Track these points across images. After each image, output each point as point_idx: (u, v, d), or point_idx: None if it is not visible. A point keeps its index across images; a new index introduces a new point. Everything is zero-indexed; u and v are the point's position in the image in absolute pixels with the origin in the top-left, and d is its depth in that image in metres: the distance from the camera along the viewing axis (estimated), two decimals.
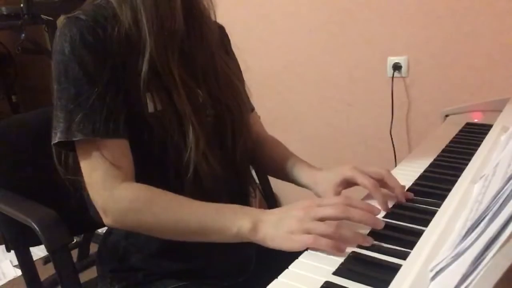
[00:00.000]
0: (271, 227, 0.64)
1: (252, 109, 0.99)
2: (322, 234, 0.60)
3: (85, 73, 0.70)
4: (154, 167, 0.77)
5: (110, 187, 0.71)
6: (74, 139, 0.70)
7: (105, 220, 0.72)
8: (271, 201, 1.15)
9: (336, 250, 0.58)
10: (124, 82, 0.73)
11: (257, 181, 1.01)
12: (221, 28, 0.96)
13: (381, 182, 0.73)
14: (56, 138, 0.71)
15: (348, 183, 0.77)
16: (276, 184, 1.09)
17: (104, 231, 0.91)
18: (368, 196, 0.74)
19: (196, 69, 0.80)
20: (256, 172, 1.08)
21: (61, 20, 0.75)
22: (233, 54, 0.98)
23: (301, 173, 0.86)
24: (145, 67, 0.73)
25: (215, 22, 0.91)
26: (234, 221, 0.66)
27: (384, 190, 0.73)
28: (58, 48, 0.72)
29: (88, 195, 0.85)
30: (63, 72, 0.71)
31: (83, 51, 0.70)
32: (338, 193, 0.77)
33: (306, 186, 0.85)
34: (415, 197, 0.73)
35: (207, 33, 0.83)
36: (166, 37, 0.75)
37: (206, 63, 0.82)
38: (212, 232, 0.68)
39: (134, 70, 0.73)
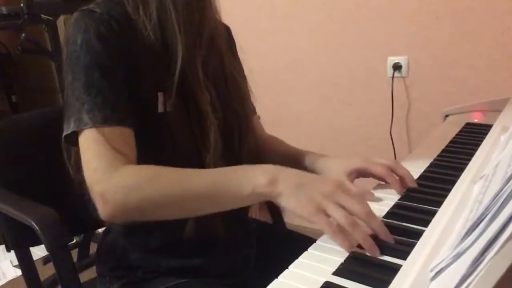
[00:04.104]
0: (291, 188, 0.62)
1: (255, 112, 0.99)
2: (337, 221, 0.59)
3: (97, 63, 0.69)
4: None
5: (110, 171, 0.66)
6: (85, 127, 0.68)
7: (106, 208, 0.65)
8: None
9: (343, 244, 0.59)
10: (135, 80, 0.73)
11: None
12: (227, 30, 0.96)
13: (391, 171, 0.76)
14: (70, 128, 0.70)
15: (359, 174, 0.79)
16: None
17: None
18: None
19: (207, 72, 0.79)
20: None
21: (66, 17, 0.75)
22: (238, 56, 0.98)
23: (311, 159, 0.86)
24: (178, 68, 0.73)
25: (223, 23, 0.90)
26: (248, 178, 0.63)
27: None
28: (72, 39, 0.71)
29: (89, 194, 0.84)
30: (75, 62, 0.70)
31: (96, 42, 0.70)
32: (351, 181, 0.78)
33: (318, 170, 0.84)
34: (416, 195, 0.74)
35: (217, 35, 0.83)
36: (196, 37, 0.76)
37: (216, 66, 0.82)
38: (225, 196, 0.64)
39: (147, 70, 0.73)
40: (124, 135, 0.71)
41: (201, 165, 0.75)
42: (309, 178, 0.65)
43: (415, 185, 0.76)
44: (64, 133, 0.71)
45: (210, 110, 0.77)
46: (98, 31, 0.70)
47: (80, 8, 0.74)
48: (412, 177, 0.77)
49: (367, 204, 0.62)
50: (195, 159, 0.76)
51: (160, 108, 0.74)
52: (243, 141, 0.85)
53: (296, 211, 0.61)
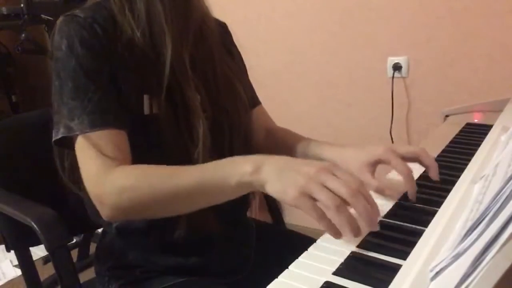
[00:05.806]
0: (274, 173, 0.59)
1: (259, 103, 0.99)
2: (323, 203, 0.55)
3: (82, 68, 0.70)
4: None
5: (104, 175, 0.68)
6: (74, 133, 0.70)
7: (103, 210, 0.69)
8: (271, 201, 1.15)
9: (329, 231, 0.57)
10: (120, 84, 0.73)
11: None
12: (223, 26, 0.96)
13: (416, 160, 0.74)
14: (59, 133, 0.71)
15: (380, 163, 0.75)
16: None
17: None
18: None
19: (196, 71, 0.79)
20: None
21: (59, 19, 0.75)
22: (236, 50, 0.97)
23: (324, 150, 0.82)
24: (168, 63, 0.73)
25: (216, 19, 0.90)
26: (235, 168, 0.62)
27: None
28: (56, 45, 0.72)
29: (87, 195, 0.85)
30: (61, 68, 0.71)
31: (79, 47, 0.70)
32: (372, 173, 0.74)
33: (331, 162, 0.80)
34: (416, 195, 0.73)
35: (207, 33, 0.83)
36: (183, 30, 0.76)
37: (205, 65, 0.82)
38: (213, 188, 0.63)
39: (133, 72, 0.73)
40: (115, 137, 0.71)
41: (189, 162, 0.75)
42: (295, 162, 0.61)
43: (437, 179, 0.72)
44: (54, 138, 0.72)
45: (198, 104, 0.76)
46: (81, 36, 0.71)
47: (65, 13, 0.74)
48: (437, 168, 0.72)
49: (357, 182, 0.57)
50: (183, 157, 0.75)
51: (146, 110, 0.74)
52: (234, 138, 0.84)
53: (279, 196, 0.58)
